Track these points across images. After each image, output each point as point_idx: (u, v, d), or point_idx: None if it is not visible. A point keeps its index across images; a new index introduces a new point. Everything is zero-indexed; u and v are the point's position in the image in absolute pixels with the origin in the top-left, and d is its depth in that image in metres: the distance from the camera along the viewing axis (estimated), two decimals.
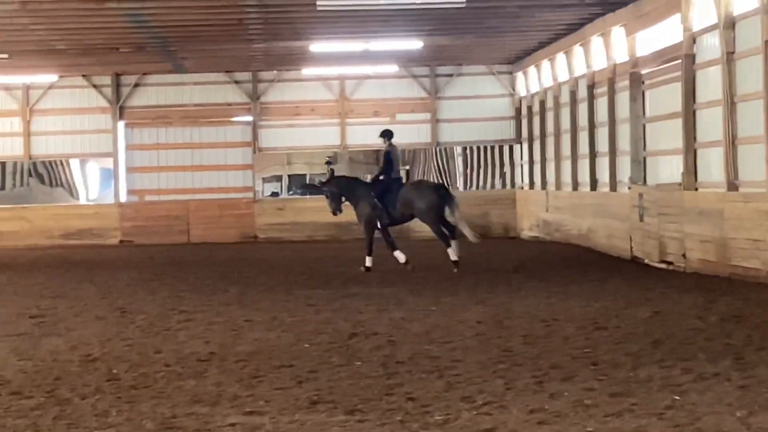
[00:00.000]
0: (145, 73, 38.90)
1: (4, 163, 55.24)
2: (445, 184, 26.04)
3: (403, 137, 39.93)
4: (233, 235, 38.40)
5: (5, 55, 31.52)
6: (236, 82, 39.51)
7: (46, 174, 63.23)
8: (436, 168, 54.94)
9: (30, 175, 61.49)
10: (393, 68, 37.67)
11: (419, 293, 19.22)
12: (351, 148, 42.09)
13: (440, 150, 52.04)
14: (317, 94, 39.62)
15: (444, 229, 23.84)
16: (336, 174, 27.01)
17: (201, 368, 11.94)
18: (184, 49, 33.06)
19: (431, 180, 28.45)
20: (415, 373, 11.34)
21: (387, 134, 24.83)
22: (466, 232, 23.84)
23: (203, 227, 38.66)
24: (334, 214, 25.19)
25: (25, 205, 43.24)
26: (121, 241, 38.45)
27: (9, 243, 37.79)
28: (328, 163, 29.18)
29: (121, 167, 39.72)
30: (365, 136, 39.50)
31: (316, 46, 31.76)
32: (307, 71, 38.26)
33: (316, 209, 38.99)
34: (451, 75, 39.55)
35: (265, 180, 57.50)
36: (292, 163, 59.38)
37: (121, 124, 39.38)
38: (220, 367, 12.00)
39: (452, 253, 23.50)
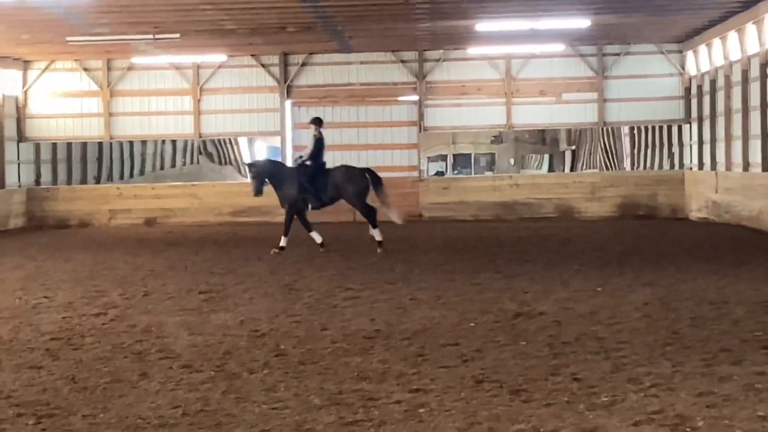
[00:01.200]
0: (312, 53, 39.27)
1: (174, 141, 56.50)
2: (371, 168, 26.50)
3: (569, 117, 39.67)
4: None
5: (177, 35, 32.13)
6: (402, 61, 39.61)
7: (215, 152, 64.47)
8: (603, 148, 54.32)
9: (200, 153, 62.78)
10: (560, 47, 37.28)
11: (584, 274, 19.04)
12: (516, 127, 41.84)
13: (607, 130, 51.41)
14: (483, 74, 39.47)
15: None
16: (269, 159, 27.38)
17: (367, 345, 12.03)
18: (351, 28, 33.26)
19: (353, 168, 28.52)
20: (581, 354, 11.25)
21: (318, 122, 25.56)
22: (393, 214, 25.49)
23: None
24: (255, 195, 25.67)
25: (195, 183, 44.15)
26: None
27: (179, 219, 38.66)
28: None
29: (288, 145, 40.21)
30: (531, 115, 39.30)
31: (483, 25, 31.61)
32: (473, 50, 38.12)
33: (481, 188, 39.02)
34: (618, 54, 38.98)
35: (430, 159, 57.58)
36: (457, 143, 59.38)
37: (288, 103, 39.85)
38: (385, 344, 12.08)
39: (377, 234, 24.81)
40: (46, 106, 40.33)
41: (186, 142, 58.52)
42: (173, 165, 58.38)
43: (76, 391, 9.79)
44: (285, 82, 39.62)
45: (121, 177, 50.66)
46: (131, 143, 50.70)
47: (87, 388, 9.91)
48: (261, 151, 67.41)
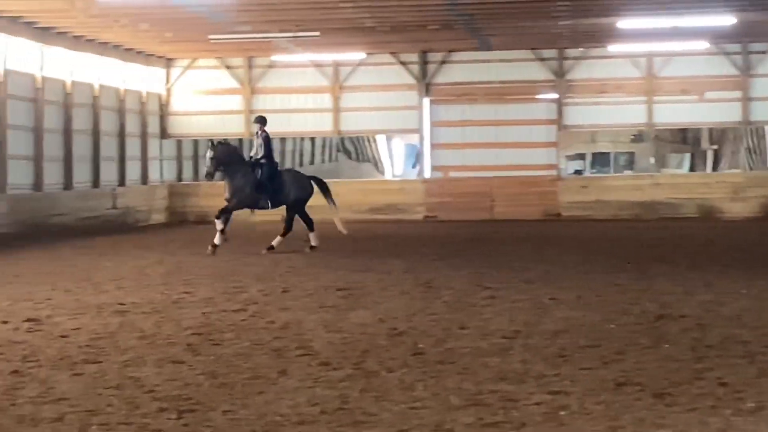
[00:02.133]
0: (451, 51, 39.23)
1: (313, 139, 56.92)
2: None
3: (712, 115, 38.95)
4: (536, 213, 38.28)
5: (317, 33, 32.35)
6: (542, 59, 39.35)
7: (354, 149, 64.80)
8: (747, 148, 53.23)
9: (338, 150, 63.15)
10: (703, 45, 36.63)
11: (728, 276, 18.64)
12: (657, 126, 41.25)
13: (751, 129, 50.40)
14: (623, 72, 39.02)
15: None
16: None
17: (506, 345, 11.91)
18: (491, 26, 33.13)
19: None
20: (725, 358, 10.98)
21: (261, 120, 25.03)
22: (338, 222, 25.88)
23: (506, 204, 38.70)
24: (206, 177, 25.43)
25: (333, 180, 44.43)
26: (425, 217, 38.95)
27: (318, 216, 38.82)
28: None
29: (426, 143, 40.22)
30: (672, 114, 38.75)
31: (624, 23, 31.21)
32: (613, 48, 37.67)
33: (620, 188, 38.58)
34: (764, 52, 38.19)
35: (568, 158, 57.07)
36: (596, 141, 58.70)
37: (426, 101, 39.87)
38: (525, 345, 11.94)
39: (313, 239, 25.06)
40: (188, 103, 40.97)
41: (325, 139, 58.95)
42: (312, 162, 58.85)
43: (217, 387, 9.86)
44: (424, 80, 39.65)
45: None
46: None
47: (227, 384, 9.97)
48: (399, 149, 67.57)
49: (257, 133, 24.99)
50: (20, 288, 17.96)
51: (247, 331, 13.18)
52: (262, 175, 24.51)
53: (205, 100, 40.98)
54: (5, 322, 14.00)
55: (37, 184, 32.35)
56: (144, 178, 39.90)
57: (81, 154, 35.02)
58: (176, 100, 41.20)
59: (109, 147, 37.06)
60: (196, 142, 43.65)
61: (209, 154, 24.19)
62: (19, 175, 31.34)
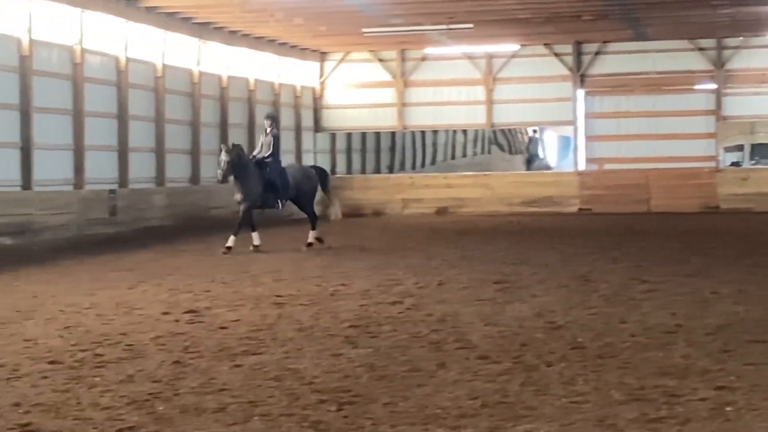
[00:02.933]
0: (606, 41, 38.77)
1: (465, 131, 56.82)
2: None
3: None
4: (694, 205, 37.62)
5: (470, 25, 32.28)
6: (700, 49, 38.64)
7: (506, 142, 64.52)
8: None
9: (491, 142, 62.95)
10: None
11: None
12: None
13: None
14: None
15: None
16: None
17: (667, 340, 11.70)
18: (647, 16, 32.65)
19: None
20: None
21: (273, 117, 24.61)
22: (336, 209, 26.24)
23: (663, 196, 38.11)
24: (221, 181, 24.37)
25: (486, 173, 44.32)
26: (579, 209, 38.58)
27: (471, 209, 38.86)
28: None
29: (580, 135, 39.85)
30: None
31: None
32: None
33: None
34: None
35: (726, 149, 55.96)
36: (756, 132, 57.38)
37: (581, 92, 39.48)
38: (687, 339, 11.71)
39: (312, 236, 24.45)
40: (341, 96, 41.27)
41: (477, 131, 58.79)
42: (464, 155, 58.77)
43: (376, 379, 9.88)
44: (578, 71, 39.26)
45: (413, 166, 51.32)
46: (423, 133, 51.29)
47: (386, 377, 9.98)
48: (552, 141, 67.07)
49: (266, 130, 24.23)
50: (180, 280, 18.29)
51: (405, 324, 13.19)
52: (270, 174, 23.93)
53: (357, 93, 41.22)
54: (166, 314, 14.26)
55: (194, 178, 32.93)
56: None
57: None
58: (329, 93, 41.53)
59: None
60: (349, 136, 43.96)
61: (225, 157, 23.36)
62: (176, 169, 31.95)
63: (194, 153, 32.92)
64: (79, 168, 26.84)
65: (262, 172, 23.75)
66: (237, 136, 35.33)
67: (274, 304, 15.15)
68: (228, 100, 34.87)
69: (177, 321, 13.66)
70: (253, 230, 23.75)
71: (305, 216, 25.06)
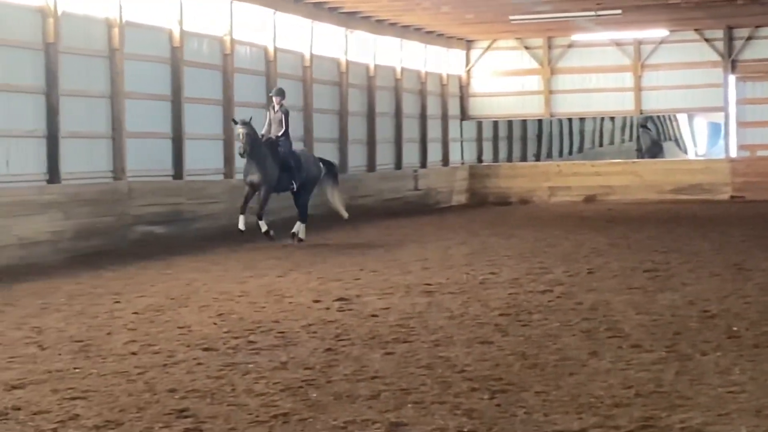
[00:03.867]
0: (758, 26, 37.91)
1: (613, 118, 56.17)
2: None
3: None
4: None
5: (618, 11, 31.89)
6: None
7: (655, 128, 63.60)
8: None
9: (639, 129, 62.12)
10: None
11: None
12: None
13: None
14: None
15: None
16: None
17: None
18: None
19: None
20: None
21: (281, 93, 22.77)
22: (340, 207, 24.60)
23: None
24: (243, 154, 22.22)
25: (635, 160, 43.78)
26: (731, 197, 37.82)
27: (619, 197, 38.42)
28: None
29: (732, 121, 39.08)
30: None
31: None
32: None
33: None
34: None
35: None
36: None
37: (732, 78, 38.69)
38: None
39: (302, 230, 23.03)
40: (487, 84, 41.13)
41: (625, 118, 58.09)
42: (612, 142, 58.13)
43: (527, 368, 9.83)
44: (729, 57, 38.47)
45: (560, 154, 50.95)
46: (570, 120, 50.89)
47: (537, 365, 9.93)
48: (701, 128, 65.97)
49: (273, 107, 22.70)
50: (329, 268, 18.44)
51: (555, 312, 13.10)
52: (284, 154, 22.56)
53: (504, 81, 41.04)
54: (317, 302, 14.39)
55: (342, 167, 33.13)
56: (445, 160, 40.33)
57: (383, 137, 35.66)
58: (476, 81, 41.42)
59: (410, 129, 37.62)
60: (495, 123, 43.81)
61: (242, 129, 21.76)
62: (325, 158, 32.15)
63: (342, 142, 33.12)
64: (228, 158, 27.19)
65: (275, 152, 22.35)
66: (384, 126, 35.52)
67: (423, 292, 15.18)
68: (375, 89, 34.99)
69: (328, 309, 13.78)
70: (242, 213, 22.29)
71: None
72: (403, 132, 36.84)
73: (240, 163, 27.60)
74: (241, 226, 22.12)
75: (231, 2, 27.05)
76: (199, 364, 10.25)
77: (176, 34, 25.01)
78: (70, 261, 19.66)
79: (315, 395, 8.84)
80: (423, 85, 38.47)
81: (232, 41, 27.24)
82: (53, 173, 21.14)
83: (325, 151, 32.07)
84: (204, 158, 26.40)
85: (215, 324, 12.66)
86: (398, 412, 8.21)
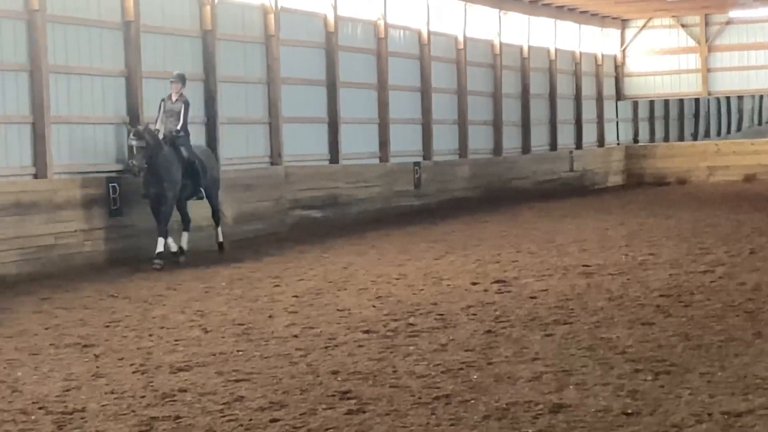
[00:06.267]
0: None
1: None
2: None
3: None
4: None
5: None
6: None
7: None
8: None
9: None
10: None
11: None
12: None
13: None
14: None
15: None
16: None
17: None
18: None
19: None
20: None
21: (181, 79, 18.38)
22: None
23: None
24: (137, 173, 17.42)
25: None
26: None
27: None
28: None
29: None
30: None
31: None
32: None
33: None
34: None
35: None
36: None
37: None
38: None
39: (185, 241, 18.37)
40: (642, 63, 40.50)
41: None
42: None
43: (691, 349, 9.66)
44: None
45: (718, 133, 49.99)
46: (728, 99, 49.86)
47: (701, 346, 9.75)
48: None
49: (171, 95, 18.30)
50: (486, 250, 18.39)
51: (718, 293, 12.86)
52: (190, 156, 18.25)
53: (659, 60, 40.34)
54: (475, 284, 14.36)
55: (497, 149, 33.00)
56: (600, 141, 39.89)
57: (538, 118, 35.40)
58: (631, 61, 40.80)
59: (565, 110, 37.28)
60: (651, 103, 43.17)
61: (136, 142, 17.17)
62: (479, 141, 32.08)
63: (496, 124, 32.96)
64: (384, 141, 27.28)
65: (176, 153, 17.93)
66: (538, 107, 35.25)
67: (582, 273, 15.04)
68: (529, 71, 34.73)
69: (486, 291, 13.74)
70: (167, 235, 17.70)
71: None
72: (557, 113, 36.51)
73: (397, 145, 27.79)
74: (171, 247, 17.87)
75: None
76: (360, 346, 10.31)
77: (331, 19, 25.16)
78: (229, 245, 19.94)
79: (476, 377, 8.82)
80: (577, 65, 38.05)
81: (386, 25, 27.29)
82: None
83: (480, 133, 32.00)
84: (359, 142, 26.52)
85: (374, 307, 12.73)
86: (560, 394, 8.14)
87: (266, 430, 7.43)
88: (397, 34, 28.12)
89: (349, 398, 8.25)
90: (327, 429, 7.39)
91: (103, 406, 8.22)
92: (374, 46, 27.21)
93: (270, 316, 12.26)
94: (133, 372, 9.44)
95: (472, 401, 8.02)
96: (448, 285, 14.38)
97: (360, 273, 15.95)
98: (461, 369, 9.12)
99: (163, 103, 18.25)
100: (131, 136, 17.32)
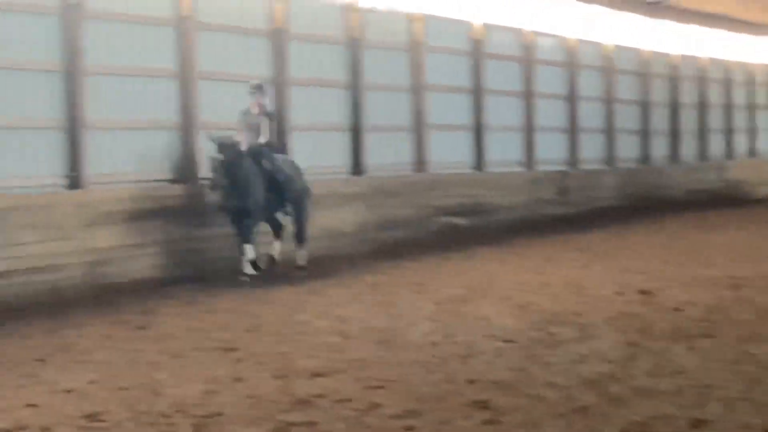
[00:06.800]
0: None
1: None
2: None
3: None
4: None
5: None
6: None
7: None
8: None
9: None
10: None
11: None
12: None
13: None
14: None
15: None
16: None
17: None
18: None
19: None
20: None
21: (261, 89, 16.97)
22: None
23: None
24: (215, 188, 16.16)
25: None
26: None
27: None
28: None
29: None
30: None
31: None
32: None
33: None
34: None
35: None
36: None
37: None
38: None
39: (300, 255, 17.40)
40: None
41: None
42: None
43: None
44: None
45: None
46: None
47: None
48: None
49: (251, 108, 16.95)
50: (631, 260, 18.13)
51: None
52: (273, 169, 16.94)
53: None
54: (618, 294, 14.14)
55: (644, 158, 32.52)
56: (752, 151, 39.05)
57: (687, 128, 34.79)
58: None
59: (715, 120, 36.57)
60: None
61: (217, 156, 16.06)
62: (626, 150, 31.64)
63: (644, 133, 32.49)
64: (529, 149, 27.08)
65: (258, 166, 16.65)
66: (688, 116, 34.64)
67: (729, 285, 14.70)
68: (679, 79, 34.16)
69: (630, 301, 13.51)
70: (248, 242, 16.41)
71: None
72: (707, 123, 35.84)
73: (543, 153, 27.56)
74: (276, 254, 17.00)
75: None
76: (499, 355, 10.20)
77: (477, 27, 25.07)
78: (373, 251, 19.99)
79: (615, 389, 8.65)
80: (727, 74, 37.31)
81: (533, 33, 27.11)
82: (357, 166, 21.54)
83: (627, 142, 31.58)
84: (504, 150, 26.36)
85: (514, 315, 12.60)
86: (702, 409, 7.93)
87: None
88: (544, 41, 27.88)
89: (485, 408, 8.15)
90: None
91: (240, 410, 8.27)
92: (521, 53, 27.03)
93: (410, 324, 12.22)
94: (272, 377, 9.47)
95: (610, 414, 7.86)
96: (591, 294, 14.18)
97: (502, 281, 15.83)
98: (600, 381, 8.96)
99: (243, 116, 16.80)
100: (213, 149, 16.12)
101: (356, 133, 21.53)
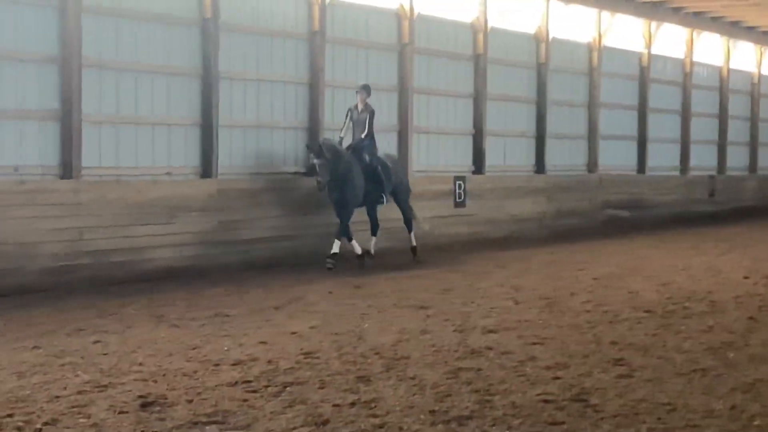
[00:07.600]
0: None
1: None
2: None
3: None
4: None
5: None
6: None
7: None
8: None
9: None
10: None
11: None
12: None
13: None
14: None
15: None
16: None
17: None
18: None
19: None
20: None
21: (367, 89, 15.14)
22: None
23: None
24: (322, 189, 14.40)
25: None
26: None
27: None
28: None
29: None
30: None
31: None
32: None
33: None
34: None
35: None
36: None
37: None
38: None
39: (370, 246, 15.25)
40: None
41: None
42: None
43: None
44: None
45: None
46: None
47: None
48: None
49: (357, 106, 15.18)
50: (764, 250, 17.38)
51: None
52: (372, 161, 15.18)
53: None
54: (747, 278, 13.57)
55: (722, 167, 30.03)
56: None
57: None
58: None
59: None
60: None
61: (317, 160, 14.43)
62: (766, 159, 30.30)
63: (720, 144, 30.45)
64: (684, 157, 26.24)
65: (359, 159, 14.93)
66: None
67: None
68: (759, 97, 31.27)
69: (755, 284, 12.94)
70: (351, 238, 14.90)
71: None
72: None
73: (696, 161, 26.64)
74: (357, 249, 14.84)
75: (691, 31, 25.96)
76: (639, 323, 9.89)
77: (644, 56, 24.44)
78: (549, 236, 19.72)
79: (732, 355, 8.27)
80: None
81: (691, 62, 26.24)
82: (540, 165, 21.25)
83: (766, 154, 30.22)
84: (663, 157, 25.63)
85: (658, 291, 12.21)
86: None
87: (548, 386, 7.19)
88: (699, 70, 26.95)
89: (621, 365, 7.90)
90: (597, 389, 7.08)
91: (423, 355, 8.23)
92: (681, 78, 26.21)
93: (571, 294, 11.97)
94: (453, 331, 9.41)
95: (725, 375, 7.51)
96: (724, 277, 13.63)
97: (651, 263, 15.36)
98: (721, 348, 8.58)
99: (350, 113, 15.09)
100: (312, 155, 14.72)
101: (540, 139, 21.25)
